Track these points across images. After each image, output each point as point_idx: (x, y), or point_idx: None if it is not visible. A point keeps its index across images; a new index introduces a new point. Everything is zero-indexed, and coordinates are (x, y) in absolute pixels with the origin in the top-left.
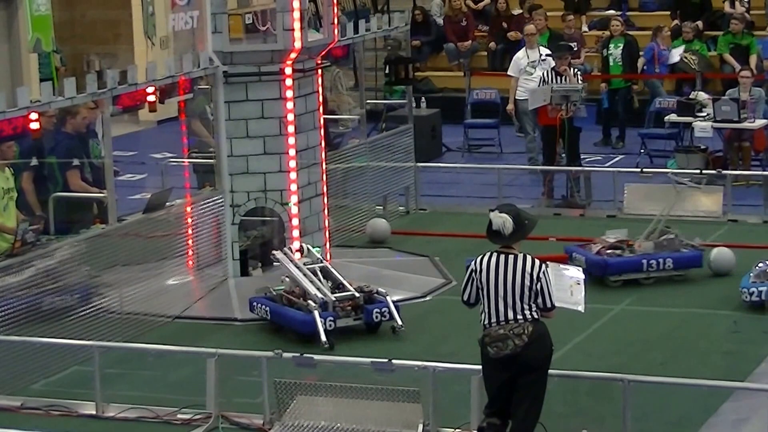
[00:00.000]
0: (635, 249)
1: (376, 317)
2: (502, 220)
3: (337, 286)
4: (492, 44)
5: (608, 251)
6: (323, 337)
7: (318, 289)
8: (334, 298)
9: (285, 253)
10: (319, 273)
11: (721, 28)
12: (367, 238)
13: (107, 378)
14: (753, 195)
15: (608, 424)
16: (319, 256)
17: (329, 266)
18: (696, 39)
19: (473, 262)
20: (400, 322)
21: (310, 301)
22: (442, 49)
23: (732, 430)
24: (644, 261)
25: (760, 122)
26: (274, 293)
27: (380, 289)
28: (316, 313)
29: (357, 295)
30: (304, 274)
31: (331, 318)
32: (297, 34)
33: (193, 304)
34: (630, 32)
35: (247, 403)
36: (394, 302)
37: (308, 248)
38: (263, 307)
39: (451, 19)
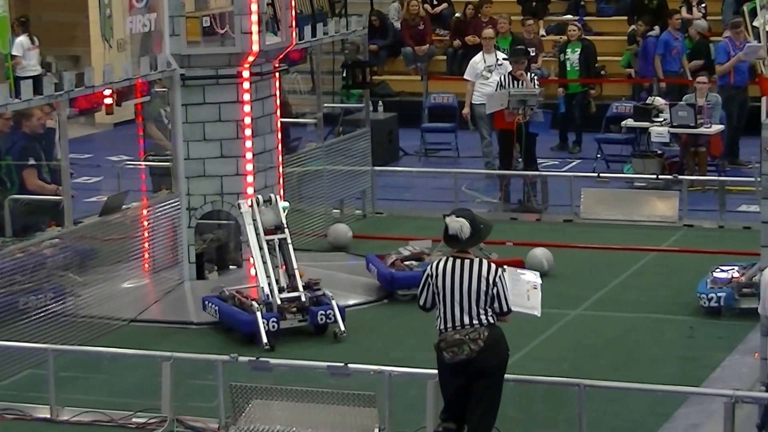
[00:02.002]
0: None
1: (321, 319)
2: (459, 225)
3: (290, 275)
4: (457, 42)
5: (403, 264)
6: (264, 338)
7: (268, 278)
8: (279, 300)
9: (251, 206)
10: (277, 248)
11: None
12: (328, 243)
13: (62, 381)
14: (709, 200)
15: (563, 429)
16: (283, 217)
17: (289, 242)
18: None
19: (429, 267)
20: (342, 328)
21: (253, 302)
22: (400, 53)
23: None
24: None
25: (716, 128)
26: (227, 293)
27: (327, 292)
28: (259, 314)
29: (303, 298)
30: (261, 247)
31: (275, 319)
32: (254, 37)
33: (148, 307)
34: (587, 37)
35: (202, 407)
36: (339, 306)
37: (276, 200)
38: (213, 306)
39: (409, 23)
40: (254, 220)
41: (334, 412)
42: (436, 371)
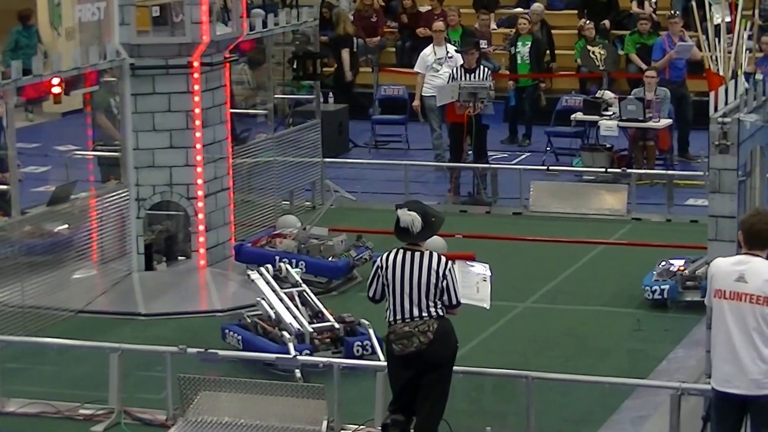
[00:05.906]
0: (276, 244)
1: (357, 351)
2: (411, 218)
3: (316, 315)
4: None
5: (274, 240)
6: (298, 372)
7: (294, 317)
8: (311, 329)
9: (261, 273)
10: (296, 298)
11: (628, 27)
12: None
13: (8, 373)
14: (657, 194)
15: (512, 421)
16: (298, 278)
17: (308, 291)
18: (598, 36)
19: (380, 259)
20: (382, 358)
21: (284, 332)
22: None
23: (633, 426)
24: (276, 257)
25: (664, 122)
26: (248, 321)
27: (363, 320)
28: (291, 345)
29: (337, 326)
30: (280, 299)
31: (308, 351)
32: (205, 27)
33: (96, 298)
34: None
35: (150, 399)
36: (377, 336)
37: (287, 268)
38: (235, 335)
39: (361, 14)
40: (267, 282)
41: (283, 404)
42: (385, 363)
